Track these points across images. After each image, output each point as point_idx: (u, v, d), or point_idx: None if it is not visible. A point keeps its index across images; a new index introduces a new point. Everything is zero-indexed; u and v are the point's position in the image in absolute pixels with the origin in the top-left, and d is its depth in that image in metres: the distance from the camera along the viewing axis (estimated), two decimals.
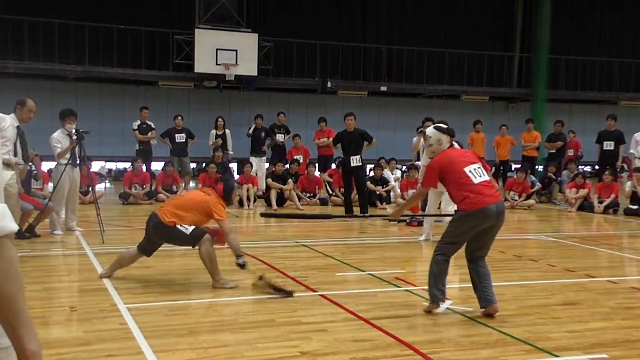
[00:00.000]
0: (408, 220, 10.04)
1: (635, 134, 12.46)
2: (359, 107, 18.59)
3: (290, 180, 12.58)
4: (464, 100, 21.25)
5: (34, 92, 16.80)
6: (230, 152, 14.36)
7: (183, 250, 7.59)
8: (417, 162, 11.19)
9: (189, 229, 5.55)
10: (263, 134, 14.08)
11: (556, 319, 4.66)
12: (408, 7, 20.82)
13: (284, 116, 15.27)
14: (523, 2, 22.03)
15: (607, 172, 12.35)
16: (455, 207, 8.24)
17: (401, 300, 5.24)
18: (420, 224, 9.22)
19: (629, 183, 12.38)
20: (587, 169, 18.85)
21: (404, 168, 16.31)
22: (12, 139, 6.94)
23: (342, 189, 12.79)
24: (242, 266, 5.57)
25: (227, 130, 14.40)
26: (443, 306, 4.92)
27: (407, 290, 5.57)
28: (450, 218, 5.10)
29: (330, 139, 14.78)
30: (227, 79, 17.19)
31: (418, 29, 20.76)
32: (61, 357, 3.67)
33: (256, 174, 13.07)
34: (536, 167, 16.22)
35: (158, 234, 5.66)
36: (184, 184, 13.41)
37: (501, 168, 16.05)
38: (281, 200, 12.32)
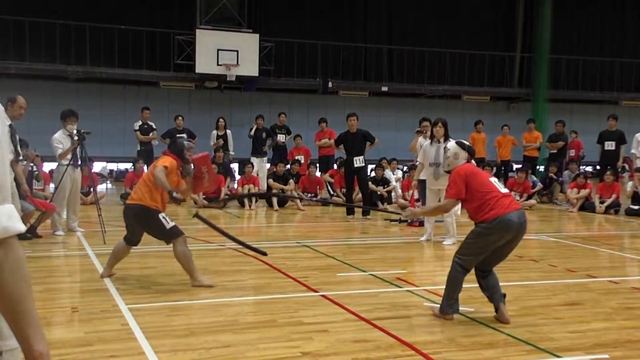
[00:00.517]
0: (409, 221, 10.05)
1: (637, 134, 12.45)
2: (360, 107, 18.56)
3: (291, 180, 12.59)
4: (465, 101, 21.24)
5: (35, 92, 16.84)
6: (232, 153, 14.37)
7: None
8: (417, 163, 11.19)
9: (169, 223, 5.61)
10: (264, 135, 14.09)
11: (558, 320, 4.66)
12: (409, 8, 20.81)
13: (285, 117, 15.28)
14: (524, 2, 22.01)
15: (608, 173, 12.35)
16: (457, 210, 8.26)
17: (402, 300, 5.24)
18: (421, 224, 9.22)
19: (630, 183, 12.37)
20: (589, 169, 18.83)
21: (405, 168, 16.28)
22: (1, 137, 6.92)
23: (344, 190, 12.80)
24: (176, 200, 5.73)
25: (228, 131, 14.41)
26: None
27: (408, 290, 5.57)
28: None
29: (332, 140, 14.81)
30: (228, 79, 17.20)
31: (419, 29, 20.76)
32: (62, 358, 3.67)
33: (257, 175, 13.07)
34: (537, 167, 16.22)
35: (139, 221, 5.70)
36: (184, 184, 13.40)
37: (502, 168, 16.04)
38: (282, 200, 12.33)
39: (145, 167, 13.24)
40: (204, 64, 16.91)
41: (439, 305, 4.71)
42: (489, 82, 21.15)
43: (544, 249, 8.22)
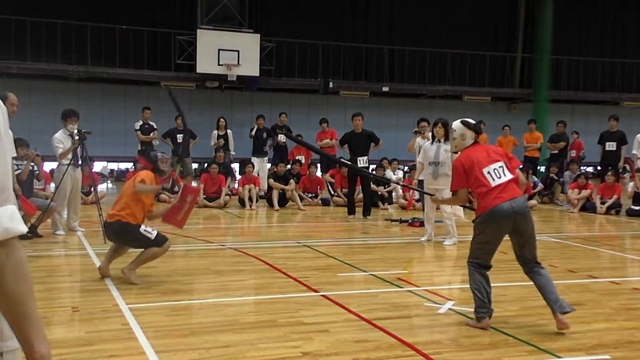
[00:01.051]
0: (410, 221, 10.05)
1: (638, 135, 12.45)
2: (361, 107, 18.54)
3: (292, 180, 12.58)
4: (466, 101, 21.24)
5: (36, 92, 16.88)
6: (232, 153, 14.37)
7: (184, 251, 7.61)
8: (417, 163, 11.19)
9: (153, 233, 5.67)
10: (265, 135, 14.08)
11: None
12: (410, 8, 20.81)
13: (285, 116, 15.27)
14: (525, 2, 22.01)
15: (609, 173, 12.34)
16: (451, 208, 8.26)
17: (403, 300, 5.23)
18: (422, 224, 9.21)
19: (631, 184, 12.37)
20: (590, 169, 18.82)
21: (405, 168, 16.28)
22: None
23: (344, 190, 12.79)
24: (171, 190, 5.67)
25: (229, 131, 14.41)
26: (445, 307, 4.92)
27: (409, 290, 5.57)
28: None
29: (334, 140, 14.80)
30: (229, 79, 17.20)
31: (420, 29, 20.76)
32: (63, 358, 3.67)
33: (258, 175, 13.07)
34: (538, 167, 16.21)
35: (120, 238, 5.76)
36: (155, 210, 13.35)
37: None
38: (283, 200, 12.33)
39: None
40: (205, 63, 16.92)
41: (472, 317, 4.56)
42: (490, 82, 21.15)
43: (545, 250, 8.19)
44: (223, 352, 3.83)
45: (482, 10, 21.60)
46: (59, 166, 8.49)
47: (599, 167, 15.47)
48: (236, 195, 12.82)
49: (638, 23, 22.91)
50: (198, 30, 17.10)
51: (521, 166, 14.73)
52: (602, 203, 12.15)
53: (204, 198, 12.19)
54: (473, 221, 4.61)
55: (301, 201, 12.35)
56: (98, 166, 16.31)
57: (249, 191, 12.03)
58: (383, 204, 12.58)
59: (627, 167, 13.93)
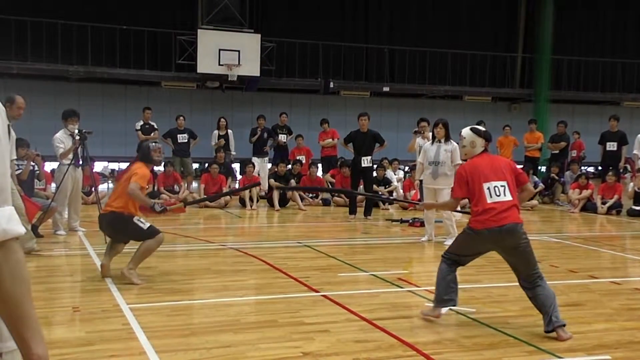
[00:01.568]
0: (410, 221, 10.05)
1: (639, 135, 12.44)
2: (362, 107, 18.51)
3: (292, 180, 12.59)
4: (467, 101, 21.22)
5: (36, 92, 16.86)
6: (233, 153, 14.37)
7: (185, 251, 7.61)
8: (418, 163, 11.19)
9: (146, 224, 5.70)
10: (265, 135, 14.09)
11: None
12: (410, 8, 20.79)
13: (286, 117, 15.27)
14: (526, 2, 21.99)
15: (610, 173, 12.34)
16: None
17: (404, 301, 5.23)
18: (422, 224, 9.22)
19: (632, 184, 12.37)
20: (590, 169, 18.82)
21: (406, 168, 16.29)
22: (1, 138, 6.92)
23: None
24: (160, 211, 5.78)
25: (229, 131, 14.41)
26: (445, 307, 4.92)
27: (409, 290, 5.57)
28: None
29: (336, 140, 14.81)
30: (229, 79, 17.19)
31: (420, 29, 20.74)
32: (64, 358, 3.67)
33: (259, 175, 13.08)
34: (539, 167, 16.21)
35: (115, 228, 5.81)
36: (185, 184, 13.43)
37: None
38: (283, 200, 12.33)
39: None
40: (206, 64, 16.91)
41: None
42: (490, 82, 21.13)
43: (545, 250, 8.20)
44: (224, 352, 3.84)
45: (483, 10, 21.58)
46: (60, 166, 8.50)
47: (599, 167, 15.46)
48: (237, 195, 12.82)
49: (638, 23, 22.89)
50: (199, 31, 17.09)
51: (522, 166, 14.77)
52: (603, 203, 12.15)
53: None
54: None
55: (302, 201, 12.35)
56: (99, 166, 16.30)
57: (250, 191, 12.03)
58: (384, 204, 12.58)
59: (628, 167, 13.93)
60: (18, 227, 1.38)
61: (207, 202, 12.08)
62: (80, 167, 8.63)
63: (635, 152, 12.40)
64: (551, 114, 19.89)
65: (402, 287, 5.68)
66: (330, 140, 14.84)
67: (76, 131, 8.35)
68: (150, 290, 5.41)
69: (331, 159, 14.82)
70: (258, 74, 17.49)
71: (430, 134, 8.81)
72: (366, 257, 7.33)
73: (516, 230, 4.37)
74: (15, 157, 7.60)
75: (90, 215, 9.65)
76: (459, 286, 5.58)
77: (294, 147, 15.16)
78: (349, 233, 9.46)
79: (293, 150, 14.99)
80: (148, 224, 5.73)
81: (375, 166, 13.52)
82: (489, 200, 4.42)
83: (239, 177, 14.56)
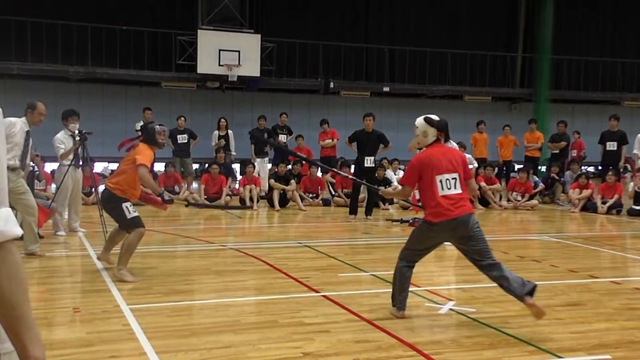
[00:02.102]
0: (410, 221, 10.05)
1: (639, 135, 12.43)
2: (362, 107, 18.57)
3: (292, 181, 12.58)
4: (467, 101, 21.23)
5: (37, 93, 16.83)
6: (233, 153, 14.37)
7: (185, 251, 7.62)
8: None
9: (132, 213, 5.83)
10: (266, 135, 14.09)
11: (559, 320, 4.65)
12: (410, 8, 20.81)
13: (286, 117, 15.28)
14: (526, 2, 22.00)
15: (610, 173, 12.34)
16: None
17: None
18: None
19: (632, 183, 12.36)
20: (590, 169, 18.82)
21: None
22: (20, 144, 6.97)
23: (345, 190, 12.79)
24: (168, 201, 6.01)
25: (229, 131, 14.42)
26: (445, 307, 4.92)
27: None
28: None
29: (335, 140, 14.81)
30: (229, 79, 17.21)
31: (420, 29, 20.76)
32: (64, 358, 3.67)
33: (259, 175, 13.08)
34: (539, 167, 16.20)
35: (106, 206, 6.06)
36: (186, 185, 13.44)
37: (504, 168, 16.04)
38: (284, 201, 12.32)
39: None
40: (206, 64, 16.93)
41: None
42: (490, 82, 21.14)
43: (545, 250, 8.21)
44: (224, 352, 3.84)
45: (483, 10, 21.60)
46: (60, 167, 8.49)
47: (599, 167, 15.46)
48: (237, 195, 12.83)
49: (638, 23, 22.89)
50: (199, 31, 17.10)
51: (522, 166, 14.78)
52: (603, 203, 12.15)
53: (205, 198, 12.20)
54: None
55: (302, 201, 12.35)
56: (99, 167, 16.31)
57: (250, 191, 12.03)
58: (384, 204, 12.57)
59: (628, 166, 13.92)
60: (15, 229, 1.38)
61: (207, 203, 12.09)
62: (80, 168, 8.63)
63: (635, 151, 12.39)
64: (551, 114, 19.90)
65: None
66: (330, 140, 14.84)
67: (76, 131, 8.35)
68: (150, 290, 5.41)
69: (331, 159, 14.82)
70: (258, 74, 17.51)
71: None
72: (367, 257, 7.33)
73: (469, 221, 4.49)
74: (30, 161, 7.63)
75: (90, 216, 9.66)
76: (460, 285, 5.58)
77: (294, 147, 15.15)
78: (349, 233, 9.46)
79: (293, 151, 14.97)
80: (133, 214, 5.86)
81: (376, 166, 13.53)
82: (440, 193, 4.51)
83: (239, 177, 14.56)
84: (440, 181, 4.53)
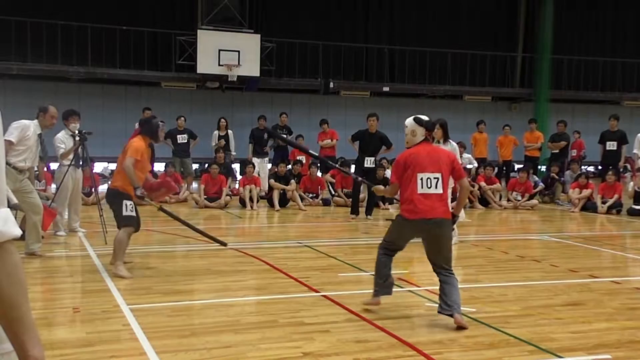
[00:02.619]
0: None
1: (638, 134, 12.43)
2: (362, 107, 18.58)
3: (292, 181, 12.58)
4: (467, 101, 21.23)
5: (36, 93, 16.86)
6: (233, 153, 14.37)
7: (185, 251, 7.62)
8: None
9: (127, 211, 6.03)
10: (266, 135, 14.08)
11: (559, 320, 4.65)
12: (410, 8, 20.80)
13: (286, 117, 15.28)
14: (525, 2, 21.99)
15: (610, 173, 12.34)
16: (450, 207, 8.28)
17: (404, 301, 5.23)
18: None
19: (632, 183, 12.36)
20: (590, 169, 18.82)
21: None
22: (33, 147, 7.02)
23: (345, 190, 12.79)
24: (140, 197, 6.03)
25: (229, 131, 14.42)
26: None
27: (409, 290, 5.57)
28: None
29: (335, 140, 14.81)
30: (229, 79, 17.21)
31: (420, 29, 20.75)
32: (64, 358, 3.67)
33: (259, 175, 13.07)
34: (539, 167, 16.20)
35: (108, 201, 6.23)
36: (186, 185, 13.44)
37: (504, 168, 16.04)
38: (284, 201, 12.32)
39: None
40: (206, 64, 16.92)
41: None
42: (490, 82, 21.14)
43: (545, 249, 8.21)
44: (224, 352, 3.84)
45: (483, 10, 21.59)
46: (60, 167, 8.49)
47: (599, 167, 15.46)
48: (237, 195, 12.82)
49: (638, 23, 22.89)
50: (198, 31, 17.10)
51: (522, 166, 14.78)
52: (603, 202, 12.14)
53: (205, 198, 12.20)
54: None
55: (302, 201, 12.35)
56: (99, 167, 16.31)
57: (250, 191, 12.03)
58: (384, 204, 12.57)
59: (628, 166, 13.93)
60: (14, 230, 1.38)
61: (206, 202, 12.08)
62: (80, 168, 8.63)
63: (635, 151, 12.39)
64: (551, 114, 19.90)
65: (402, 287, 5.67)
66: (329, 140, 14.84)
67: (76, 131, 8.35)
68: (150, 290, 5.41)
69: (330, 159, 14.80)
70: (258, 74, 17.50)
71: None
72: (366, 257, 7.32)
73: (442, 225, 4.57)
74: (36, 165, 7.66)
75: (90, 216, 9.66)
76: (460, 285, 5.58)
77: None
78: (349, 233, 9.46)
79: (293, 151, 14.99)
80: (129, 213, 6.02)
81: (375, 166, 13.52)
82: (419, 191, 4.59)
83: (239, 177, 14.56)
84: (421, 179, 4.60)
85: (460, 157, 9.03)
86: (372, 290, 4.87)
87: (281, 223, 10.79)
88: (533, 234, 9.61)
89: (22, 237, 7.69)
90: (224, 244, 6.68)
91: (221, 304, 5.02)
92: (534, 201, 13.02)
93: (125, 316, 4.57)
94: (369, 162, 10.72)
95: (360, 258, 7.15)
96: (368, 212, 10.83)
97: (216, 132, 14.36)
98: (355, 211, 10.89)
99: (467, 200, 12.50)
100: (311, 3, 19.87)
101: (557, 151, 15.28)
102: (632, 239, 9.77)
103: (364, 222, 10.45)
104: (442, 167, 4.64)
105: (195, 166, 16.70)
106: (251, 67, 17.20)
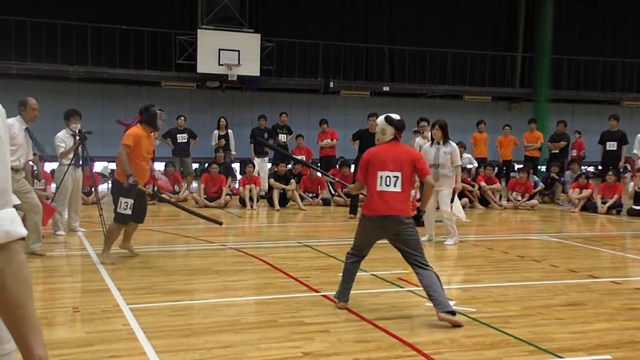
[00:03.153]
0: None
1: (639, 134, 12.44)
2: (362, 107, 18.59)
3: (292, 180, 12.58)
4: (467, 101, 21.22)
5: (36, 93, 16.74)
6: (233, 153, 14.37)
7: (185, 251, 7.61)
8: None
9: (122, 209, 6.36)
10: (266, 135, 14.08)
11: (559, 320, 4.65)
12: (410, 7, 20.79)
13: (286, 116, 15.27)
14: (526, 2, 21.99)
15: (610, 173, 12.33)
16: (450, 207, 8.29)
17: (404, 300, 5.23)
18: (422, 224, 9.19)
19: (632, 183, 12.36)
20: (590, 169, 18.82)
21: None
22: (23, 143, 6.97)
23: (345, 190, 12.78)
24: (133, 185, 6.25)
25: (229, 131, 14.42)
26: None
27: (409, 290, 5.56)
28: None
29: (334, 140, 14.80)
30: (229, 79, 17.20)
31: (420, 28, 20.74)
32: (64, 358, 3.67)
33: (259, 175, 13.07)
34: (538, 167, 16.21)
35: (112, 193, 6.66)
36: (186, 184, 13.43)
37: (504, 168, 16.05)
38: (284, 200, 12.32)
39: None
40: (206, 63, 16.92)
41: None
42: (490, 82, 21.14)
43: (545, 249, 8.21)
44: (224, 352, 3.83)
45: (483, 10, 21.59)
46: (60, 166, 8.49)
47: (599, 167, 15.46)
48: (237, 195, 12.82)
49: (638, 23, 22.89)
50: (198, 30, 17.09)
51: (522, 166, 14.78)
52: (603, 203, 12.14)
53: (205, 198, 12.19)
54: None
55: (302, 201, 12.35)
56: (99, 166, 16.29)
57: (250, 191, 12.03)
58: None
59: (628, 166, 13.93)
60: (20, 229, 1.39)
61: (206, 202, 12.08)
62: (80, 167, 8.62)
63: (635, 151, 12.39)
64: (551, 114, 19.90)
65: (402, 287, 5.67)
66: (329, 140, 14.84)
67: (77, 131, 8.35)
68: (150, 290, 5.41)
69: (330, 159, 14.83)
70: (258, 74, 17.49)
71: (430, 134, 8.81)
72: (366, 257, 7.31)
73: (397, 221, 4.66)
74: (31, 159, 7.63)
75: (90, 216, 9.66)
76: (460, 285, 5.58)
77: (294, 147, 15.16)
78: (349, 233, 9.41)
79: (293, 150, 14.98)
80: (123, 211, 6.34)
81: None
82: (378, 189, 4.73)
83: (238, 177, 14.56)
84: (381, 177, 4.74)
85: (461, 157, 9.02)
86: (370, 291, 4.88)
87: (281, 223, 10.79)
88: (533, 234, 9.60)
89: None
90: (220, 223, 6.97)
91: (221, 304, 5.02)
92: (534, 201, 13.02)
93: (125, 316, 4.56)
94: None
95: None
96: (353, 212, 10.81)
97: (216, 131, 14.36)
98: (354, 211, 10.89)
99: (467, 200, 12.51)
100: (311, 2, 19.87)
101: (557, 151, 15.28)
102: (632, 239, 9.76)
103: None
104: (403, 167, 4.76)
105: (195, 166, 16.70)
106: (251, 66, 17.19)
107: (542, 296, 5.43)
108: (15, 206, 1.42)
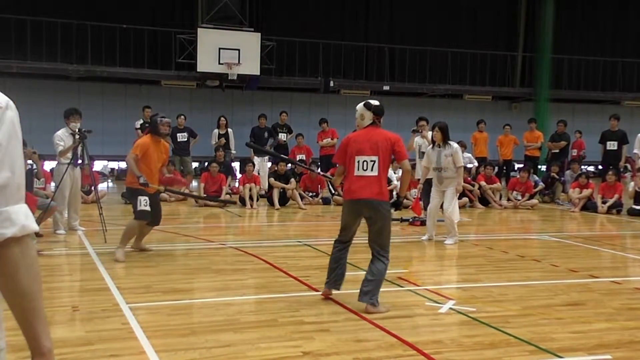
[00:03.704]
0: (411, 220, 10.04)
1: (639, 134, 12.43)
2: None
3: (292, 179, 12.57)
4: (467, 100, 21.22)
5: (36, 91, 16.88)
6: (233, 152, 14.36)
7: (185, 250, 7.61)
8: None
9: (141, 206, 6.60)
10: (266, 134, 14.07)
11: (559, 320, 4.64)
12: (410, 6, 20.78)
13: (286, 115, 15.27)
14: (526, 2, 21.98)
15: (610, 173, 12.32)
16: (452, 207, 8.29)
17: (404, 300, 5.22)
18: (423, 223, 9.20)
19: (632, 183, 12.35)
20: (591, 169, 18.81)
21: None
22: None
23: (327, 179, 12.77)
24: (144, 185, 6.54)
25: (229, 130, 14.41)
26: (446, 306, 4.91)
27: (409, 290, 5.56)
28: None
29: (335, 140, 14.80)
30: (229, 78, 17.19)
31: (421, 28, 20.74)
32: (64, 357, 3.66)
33: (259, 174, 13.07)
34: (538, 167, 16.20)
35: (127, 196, 7.01)
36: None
37: (504, 168, 16.04)
38: (283, 199, 12.32)
39: None
40: (206, 62, 16.91)
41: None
42: (490, 81, 21.13)
43: (545, 249, 8.20)
44: (224, 351, 3.83)
45: (483, 10, 21.58)
46: (59, 165, 8.47)
47: (600, 167, 15.46)
48: (237, 194, 12.81)
49: (638, 23, 22.88)
50: (199, 29, 17.08)
51: (522, 165, 14.77)
52: (603, 202, 12.13)
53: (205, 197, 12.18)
54: None
55: (302, 200, 12.34)
56: (98, 165, 16.30)
57: (250, 190, 12.02)
58: None
59: (628, 166, 13.93)
60: (33, 224, 1.45)
61: (207, 202, 12.07)
62: (79, 166, 8.60)
63: (635, 151, 12.38)
64: (551, 113, 19.89)
65: (402, 286, 5.67)
66: (329, 139, 14.84)
67: (77, 130, 8.33)
68: (150, 289, 5.40)
69: (330, 158, 14.78)
70: (258, 73, 17.48)
71: (430, 134, 8.81)
72: (366, 256, 7.26)
73: (373, 205, 4.81)
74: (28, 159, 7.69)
75: (90, 215, 9.65)
76: (460, 285, 5.58)
77: (294, 146, 15.15)
78: None
79: (293, 149, 14.98)
80: (143, 208, 6.56)
81: None
82: (355, 173, 4.87)
83: (238, 175, 14.55)
84: (358, 162, 4.87)
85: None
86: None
87: (281, 222, 10.78)
88: (533, 234, 9.60)
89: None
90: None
91: (221, 303, 5.01)
92: (534, 201, 13.01)
93: (124, 315, 4.56)
94: None
95: (359, 257, 7.12)
96: None
97: (216, 130, 14.35)
98: None
99: (467, 200, 12.50)
100: (311, 2, 19.86)
101: (557, 151, 15.27)
102: (632, 239, 9.76)
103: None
104: (379, 151, 4.86)
105: (195, 164, 16.69)
106: (251, 65, 17.18)
107: (542, 296, 5.42)
108: None
